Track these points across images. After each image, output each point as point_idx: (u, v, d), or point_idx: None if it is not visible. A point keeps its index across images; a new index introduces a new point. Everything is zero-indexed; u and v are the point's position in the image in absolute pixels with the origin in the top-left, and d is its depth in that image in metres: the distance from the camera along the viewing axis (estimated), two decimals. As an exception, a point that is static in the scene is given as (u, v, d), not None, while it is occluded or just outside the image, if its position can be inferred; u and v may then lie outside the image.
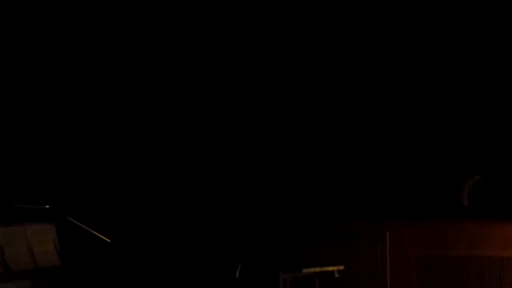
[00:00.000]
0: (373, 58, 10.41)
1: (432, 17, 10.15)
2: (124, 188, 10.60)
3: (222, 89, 10.87)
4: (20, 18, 10.33)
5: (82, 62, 10.73)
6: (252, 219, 10.04)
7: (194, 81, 10.92)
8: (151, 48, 10.83)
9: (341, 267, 8.65)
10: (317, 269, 8.53)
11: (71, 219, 8.01)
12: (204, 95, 10.88)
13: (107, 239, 7.95)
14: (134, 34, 10.76)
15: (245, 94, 10.83)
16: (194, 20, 10.79)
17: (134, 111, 10.94)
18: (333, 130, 10.61)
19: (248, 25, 10.67)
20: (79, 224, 7.99)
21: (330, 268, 8.59)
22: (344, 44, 10.52)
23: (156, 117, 10.91)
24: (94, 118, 10.81)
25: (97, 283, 7.87)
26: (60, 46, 10.62)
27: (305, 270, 8.46)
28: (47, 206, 7.95)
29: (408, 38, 10.25)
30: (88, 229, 7.92)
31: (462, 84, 10.06)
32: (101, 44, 10.70)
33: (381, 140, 10.44)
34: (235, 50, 10.81)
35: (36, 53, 10.52)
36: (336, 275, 8.60)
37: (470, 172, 9.84)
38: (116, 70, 10.79)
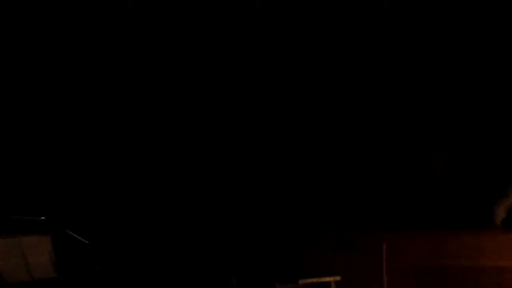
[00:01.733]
0: (379, 62, 10.38)
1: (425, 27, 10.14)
2: (121, 198, 10.59)
3: (223, 90, 10.85)
4: (20, 18, 10.30)
5: (81, 68, 10.70)
6: (249, 229, 10.03)
7: (193, 82, 10.90)
8: (151, 48, 10.81)
9: (338, 278, 8.64)
10: (314, 280, 8.52)
11: (67, 230, 7.99)
12: (203, 96, 10.86)
13: (102, 250, 7.94)
14: (134, 34, 10.75)
15: (246, 97, 10.81)
16: (194, 20, 10.78)
17: (133, 119, 10.93)
18: (331, 142, 10.61)
19: (248, 25, 10.66)
20: (75, 235, 7.97)
21: (327, 279, 8.58)
22: (347, 48, 10.49)
23: (154, 123, 10.89)
24: (91, 127, 10.79)
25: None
26: (61, 52, 10.59)
27: (301, 281, 8.45)
28: (43, 218, 7.94)
29: (409, 41, 10.22)
30: (84, 240, 7.90)
31: (466, 98, 10.05)
32: (101, 45, 10.68)
33: (379, 151, 10.43)
34: (234, 50, 10.80)
35: (38, 60, 10.49)
36: (333, 286, 8.59)
37: (468, 182, 9.84)
38: (114, 75, 10.78)
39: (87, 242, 7.87)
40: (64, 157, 10.55)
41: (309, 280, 8.51)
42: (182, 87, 10.84)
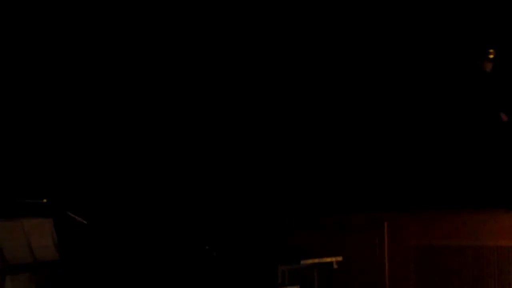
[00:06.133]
0: (374, 56, 10.39)
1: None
2: (124, 183, 10.62)
3: (222, 89, 10.87)
4: (20, 18, 10.31)
5: (83, 63, 10.71)
6: (250, 211, 10.06)
7: (193, 81, 10.93)
8: (151, 48, 10.82)
9: (340, 258, 8.65)
10: (316, 261, 8.54)
11: (69, 213, 8.01)
12: (203, 95, 10.89)
13: (105, 233, 7.96)
14: (134, 34, 10.76)
15: (249, 94, 10.83)
16: (194, 20, 10.79)
17: (135, 110, 10.96)
18: (330, 124, 10.63)
19: (248, 25, 10.67)
20: (77, 218, 7.99)
21: (329, 259, 8.60)
22: (341, 43, 10.51)
23: (157, 116, 10.92)
24: (93, 115, 10.81)
25: (94, 277, 7.88)
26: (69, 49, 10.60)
27: (303, 262, 8.46)
28: (45, 200, 7.96)
29: (410, 39, 10.24)
30: (86, 223, 7.93)
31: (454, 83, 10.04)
32: (101, 44, 10.69)
33: (379, 132, 10.45)
34: (234, 50, 10.81)
35: (39, 54, 10.49)
36: (335, 266, 8.61)
37: (468, 162, 9.85)
38: (116, 71, 10.80)
39: (88, 224, 7.89)
40: (68, 140, 10.59)
41: (311, 261, 8.53)
42: (182, 87, 10.87)
